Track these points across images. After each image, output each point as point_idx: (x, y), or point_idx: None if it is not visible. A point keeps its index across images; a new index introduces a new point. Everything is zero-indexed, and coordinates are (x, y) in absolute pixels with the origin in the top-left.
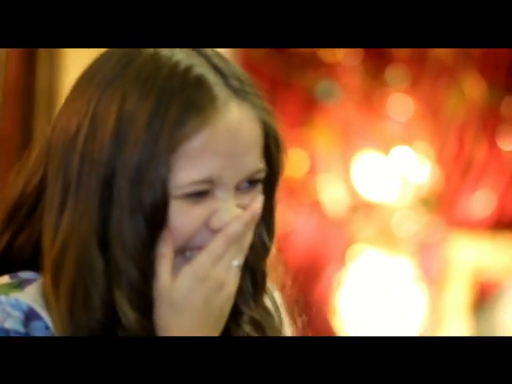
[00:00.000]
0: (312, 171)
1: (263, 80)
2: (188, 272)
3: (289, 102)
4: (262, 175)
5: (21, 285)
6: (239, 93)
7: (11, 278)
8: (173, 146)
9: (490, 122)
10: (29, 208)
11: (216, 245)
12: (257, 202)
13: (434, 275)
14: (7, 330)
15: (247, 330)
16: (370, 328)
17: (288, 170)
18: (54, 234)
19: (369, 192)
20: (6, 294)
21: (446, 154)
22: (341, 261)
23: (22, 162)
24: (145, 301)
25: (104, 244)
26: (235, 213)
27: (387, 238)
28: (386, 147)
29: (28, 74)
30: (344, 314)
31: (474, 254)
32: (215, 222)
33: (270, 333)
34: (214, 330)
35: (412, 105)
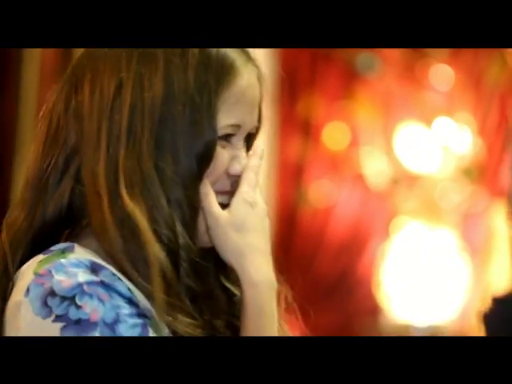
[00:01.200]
0: (354, 144)
1: (303, 53)
2: (239, 200)
3: (329, 75)
4: (253, 131)
5: (66, 249)
6: (247, 55)
7: (45, 253)
8: (218, 93)
9: None
10: (56, 175)
11: (249, 175)
12: (259, 145)
13: (477, 246)
14: (81, 283)
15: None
16: (413, 300)
17: (330, 144)
18: (106, 178)
19: (411, 164)
20: (65, 257)
21: (488, 123)
22: (384, 233)
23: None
24: (195, 225)
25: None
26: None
27: (430, 210)
28: (427, 118)
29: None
30: (388, 286)
31: None
32: (235, 167)
33: None
34: (270, 251)
35: (453, 75)
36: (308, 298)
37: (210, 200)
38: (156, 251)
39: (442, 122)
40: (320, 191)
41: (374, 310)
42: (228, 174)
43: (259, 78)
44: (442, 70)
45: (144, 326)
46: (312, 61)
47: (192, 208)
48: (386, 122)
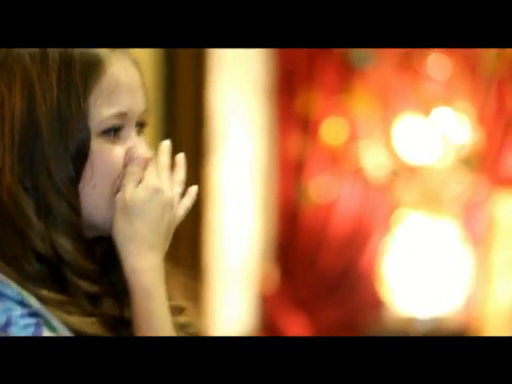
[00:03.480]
0: (353, 138)
1: (301, 49)
2: (141, 186)
3: (327, 70)
4: (145, 117)
5: None
6: (121, 52)
7: None
8: (87, 88)
9: None
10: None
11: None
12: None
13: (479, 235)
14: None
15: None
16: (416, 293)
17: (329, 139)
18: None
19: (411, 155)
20: None
21: (487, 111)
22: (386, 226)
23: None
24: (78, 230)
25: (32, 186)
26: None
27: (431, 201)
28: (426, 109)
29: None
30: (391, 279)
31: None
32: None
33: None
34: (163, 242)
35: (450, 63)
36: (312, 293)
37: (128, 179)
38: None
39: (441, 111)
40: (320, 187)
41: (377, 304)
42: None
43: (134, 63)
44: (438, 59)
45: (37, 326)
46: (309, 56)
47: (73, 212)
48: (384, 114)
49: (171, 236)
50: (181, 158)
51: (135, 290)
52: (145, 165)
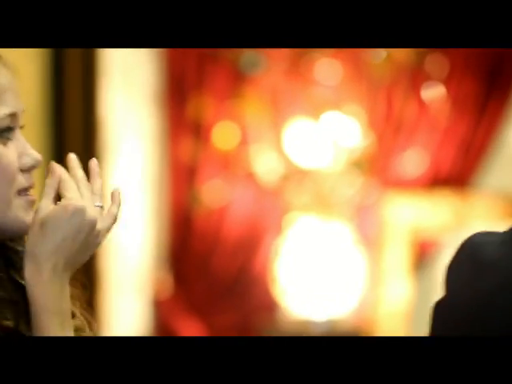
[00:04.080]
0: (244, 143)
1: (190, 54)
2: (61, 204)
3: (216, 75)
4: (23, 119)
5: None
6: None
7: None
8: None
9: (416, 80)
10: None
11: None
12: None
13: (372, 238)
14: None
15: None
16: (310, 295)
17: (220, 143)
18: None
19: (302, 159)
20: None
21: (377, 115)
22: (278, 230)
23: None
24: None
25: None
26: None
27: (323, 204)
28: (316, 113)
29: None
30: (284, 282)
31: (410, 214)
32: (26, 160)
33: None
34: (73, 260)
35: (339, 68)
36: (206, 297)
37: (45, 192)
38: None
39: (331, 115)
40: (213, 191)
41: (271, 306)
42: (21, 170)
43: (8, 65)
44: (327, 64)
45: None
46: (199, 62)
47: None
48: (275, 118)
49: (90, 253)
50: (95, 165)
51: (33, 303)
52: (34, 169)
